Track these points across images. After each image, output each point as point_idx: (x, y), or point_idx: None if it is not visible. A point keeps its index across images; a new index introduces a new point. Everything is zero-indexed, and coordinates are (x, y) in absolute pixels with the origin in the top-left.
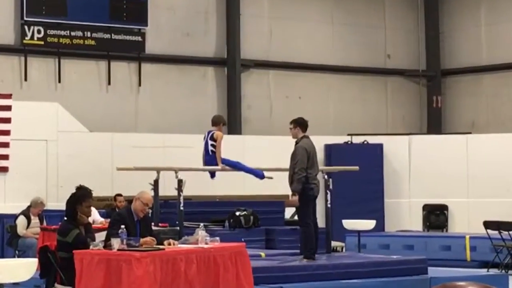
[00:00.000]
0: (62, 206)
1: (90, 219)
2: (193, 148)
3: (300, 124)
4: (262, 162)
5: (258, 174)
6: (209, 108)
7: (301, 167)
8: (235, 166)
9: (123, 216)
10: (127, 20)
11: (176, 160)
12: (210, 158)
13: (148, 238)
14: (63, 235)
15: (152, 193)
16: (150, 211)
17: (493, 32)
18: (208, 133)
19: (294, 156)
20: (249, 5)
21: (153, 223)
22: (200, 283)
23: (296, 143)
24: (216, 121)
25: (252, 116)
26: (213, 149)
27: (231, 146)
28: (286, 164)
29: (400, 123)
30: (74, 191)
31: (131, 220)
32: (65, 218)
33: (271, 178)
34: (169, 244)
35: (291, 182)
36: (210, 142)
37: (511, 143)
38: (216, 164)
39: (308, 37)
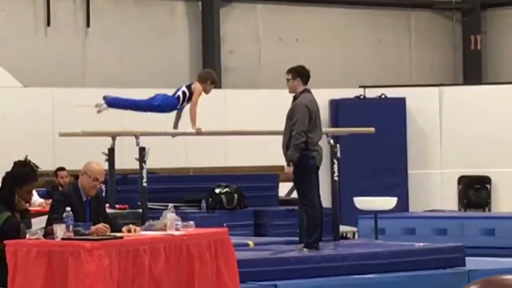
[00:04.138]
0: None
1: None
2: None
3: (300, 74)
4: (247, 123)
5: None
6: (178, 55)
7: (301, 130)
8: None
9: (68, 196)
10: None
11: (136, 122)
12: (173, 100)
13: (102, 224)
14: None
15: (104, 165)
16: (104, 189)
17: None
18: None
19: (292, 115)
20: None
21: (107, 205)
22: (170, 281)
23: (295, 98)
24: (203, 77)
25: (235, 65)
26: (181, 95)
27: (208, 103)
28: (280, 125)
29: (427, 71)
30: (12, 166)
31: (78, 200)
32: None
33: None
34: (129, 231)
35: (287, 148)
36: (182, 89)
37: None
38: (175, 108)
39: None
